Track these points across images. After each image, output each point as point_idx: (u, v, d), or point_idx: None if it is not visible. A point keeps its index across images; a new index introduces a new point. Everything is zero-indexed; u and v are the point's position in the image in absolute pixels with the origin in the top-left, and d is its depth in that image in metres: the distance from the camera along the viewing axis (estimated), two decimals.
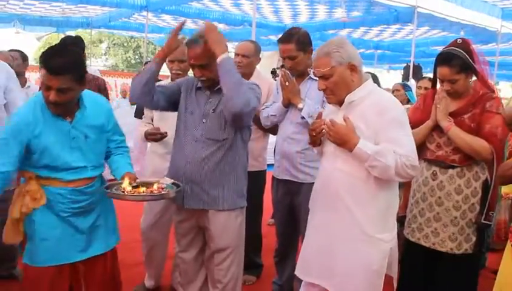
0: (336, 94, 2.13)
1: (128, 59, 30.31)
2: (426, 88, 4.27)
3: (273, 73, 8.56)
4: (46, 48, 2.14)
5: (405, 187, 2.93)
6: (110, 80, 11.95)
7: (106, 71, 14.81)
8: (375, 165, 2.03)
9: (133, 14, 10.73)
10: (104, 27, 13.42)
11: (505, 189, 3.74)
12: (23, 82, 3.96)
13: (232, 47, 13.79)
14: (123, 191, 2.19)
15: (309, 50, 2.91)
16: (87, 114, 2.25)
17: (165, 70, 2.68)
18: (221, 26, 11.81)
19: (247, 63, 3.42)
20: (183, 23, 2.44)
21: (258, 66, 3.59)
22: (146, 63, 6.88)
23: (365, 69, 2.26)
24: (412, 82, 7.90)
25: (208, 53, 2.31)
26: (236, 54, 3.45)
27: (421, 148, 2.69)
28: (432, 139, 2.63)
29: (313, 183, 2.39)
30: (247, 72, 3.44)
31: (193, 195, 2.45)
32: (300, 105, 2.83)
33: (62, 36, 5.46)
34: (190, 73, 3.08)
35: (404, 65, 10.92)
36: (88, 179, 2.28)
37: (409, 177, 2.09)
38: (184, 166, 2.44)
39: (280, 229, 3.25)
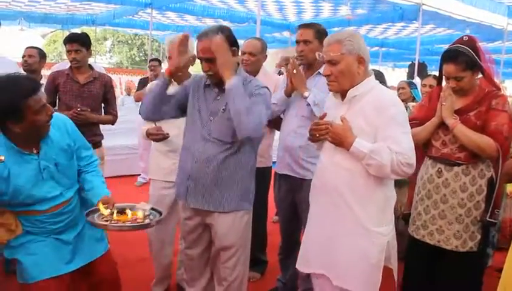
0: (339, 82, 2.15)
1: (133, 56, 30.35)
2: (431, 86, 4.26)
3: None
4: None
5: (410, 184, 2.93)
6: (114, 78, 11.94)
7: (111, 69, 14.84)
8: (371, 163, 2.07)
9: (138, 11, 10.74)
10: (108, 24, 13.43)
11: (510, 187, 3.73)
12: (38, 79, 3.97)
13: None
14: (106, 220, 2.15)
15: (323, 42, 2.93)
16: (51, 140, 2.20)
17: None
18: (225, 24, 11.84)
19: (254, 61, 3.42)
20: (186, 37, 2.43)
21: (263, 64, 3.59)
22: (151, 60, 6.88)
23: (370, 67, 2.26)
24: (417, 80, 7.87)
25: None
26: (243, 52, 3.45)
27: (426, 145, 2.69)
28: (438, 137, 2.62)
29: None
30: (253, 69, 3.45)
31: (198, 195, 2.44)
32: (306, 93, 2.84)
33: (67, 33, 5.47)
34: (190, 69, 3.09)
35: (409, 63, 10.91)
36: (64, 202, 2.26)
37: (405, 175, 2.11)
38: (191, 165, 2.43)
39: (284, 226, 3.25)
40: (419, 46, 9.17)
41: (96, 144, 3.53)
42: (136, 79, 9.81)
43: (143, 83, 6.88)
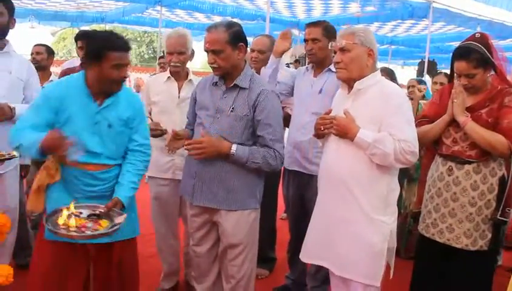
0: (348, 69, 2.24)
1: (142, 53, 30.43)
2: (441, 84, 4.24)
3: (297, 61, 8.61)
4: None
5: (420, 182, 2.92)
6: None
7: None
8: (375, 153, 2.15)
9: (147, 9, 10.76)
10: (117, 22, 13.46)
11: None
12: (47, 76, 4.00)
13: None
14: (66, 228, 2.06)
15: (333, 40, 2.92)
16: (116, 103, 2.31)
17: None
18: (234, 21, 11.82)
19: (263, 59, 3.43)
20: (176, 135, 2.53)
21: None
22: (160, 58, 6.89)
23: (379, 65, 2.35)
24: (426, 78, 7.82)
25: (224, 40, 2.31)
26: (252, 50, 3.46)
27: (437, 143, 2.68)
28: (449, 134, 2.60)
29: None
30: (262, 67, 3.44)
31: (204, 193, 2.45)
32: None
33: (77, 30, 5.52)
34: (188, 65, 3.09)
35: (419, 60, 10.83)
36: (101, 165, 2.30)
37: (409, 163, 2.19)
38: (197, 163, 2.44)
39: (293, 224, 3.25)
40: (429, 44, 9.10)
41: None
42: (145, 76, 9.85)
43: None
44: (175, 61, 3.00)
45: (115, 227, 2.10)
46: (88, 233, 2.05)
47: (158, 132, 2.95)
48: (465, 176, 2.54)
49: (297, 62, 9.17)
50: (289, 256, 3.30)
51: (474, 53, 2.45)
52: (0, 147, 2.50)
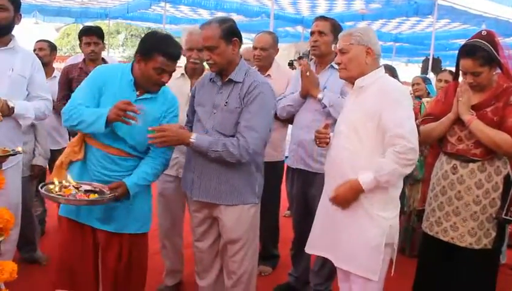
0: (348, 69, 2.30)
1: None
2: (446, 81, 4.21)
3: (291, 64, 8.53)
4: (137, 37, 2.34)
5: (424, 180, 2.91)
6: None
7: (124, 62, 14.90)
8: (387, 180, 2.18)
9: (151, 5, 10.75)
10: (121, 18, 13.48)
11: None
12: (50, 71, 4.01)
13: (246, 37, 13.75)
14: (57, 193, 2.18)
15: (337, 37, 2.92)
16: (154, 98, 2.38)
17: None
18: (238, 18, 11.79)
19: (265, 56, 3.41)
20: None
21: (275, 58, 3.57)
22: None
23: (383, 62, 2.38)
24: (431, 76, 7.79)
25: (218, 36, 2.33)
26: (255, 48, 3.44)
27: (441, 141, 2.66)
28: (453, 132, 2.59)
29: None
30: (266, 64, 3.44)
31: (202, 188, 2.46)
32: (320, 96, 2.84)
33: (81, 26, 5.53)
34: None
35: (423, 58, 10.78)
36: (122, 152, 2.36)
37: (412, 161, 2.17)
38: (195, 158, 2.45)
39: (296, 221, 3.24)
40: (434, 42, 9.05)
41: None
42: None
43: None
44: (194, 57, 3.00)
45: (92, 199, 2.17)
46: (62, 198, 2.14)
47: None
48: (470, 174, 2.53)
49: (301, 59, 9.14)
50: (293, 254, 3.30)
51: (480, 51, 2.43)
52: (2, 143, 2.51)
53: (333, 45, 2.45)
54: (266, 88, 2.40)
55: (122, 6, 11.51)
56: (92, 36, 3.61)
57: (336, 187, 2.27)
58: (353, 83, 2.33)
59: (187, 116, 2.70)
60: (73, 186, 2.22)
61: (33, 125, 3.36)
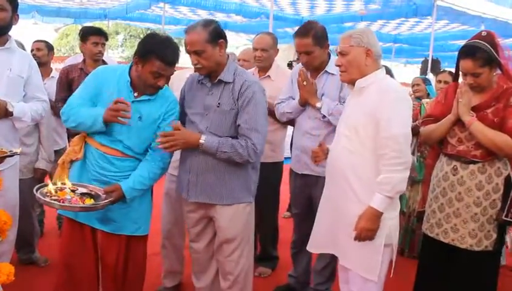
0: (348, 71, 2.30)
1: None
2: (446, 82, 4.20)
3: (289, 65, 8.52)
4: (145, 39, 2.38)
5: (424, 182, 2.90)
6: None
7: (123, 63, 14.89)
8: (396, 191, 2.19)
9: (150, 5, 10.74)
10: (120, 19, 13.44)
11: None
12: (48, 72, 3.99)
13: (247, 38, 13.73)
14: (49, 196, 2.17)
15: (325, 45, 2.88)
16: (152, 100, 2.38)
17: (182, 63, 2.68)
18: (237, 19, 11.77)
19: (267, 57, 3.41)
20: None
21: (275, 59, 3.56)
22: None
23: (381, 62, 2.38)
24: (430, 76, 7.78)
25: (204, 40, 2.31)
26: (255, 49, 3.43)
27: (441, 142, 2.65)
28: (454, 134, 2.58)
29: None
30: (266, 65, 3.44)
31: (199, 188, 2.46)
32: (318, 105, 2.84)
33: (79, 27, 5.52)
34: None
35: (422, 59, 10.77)
36: (118, 152, 2.37)
37: (408, 164, 2.19)
38: (191, 159, 2.46)
39: (298, 221, 3.24)
40: (433, 43, 9.05)
41: None
42: None
43: None
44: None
45: (86, 206, 2.17)
46: (57, 203, 2.13)
47: None
48: (470, 175, 2.52)
49: (299, 60, 9.14)
50: (293, 253, 3.28)
51: (480, 52, 2.42)
52: (0, 144, 2.50)
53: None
54: (257, 87, 2.43)
55: (121, 6, 11.48)
56: (101, 36, 3.68)
57: (355, 224, 2.23)
58: (353, 85, 2.33)
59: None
60: (68, 189, 2.22)
61: (37, 128, 3.35)
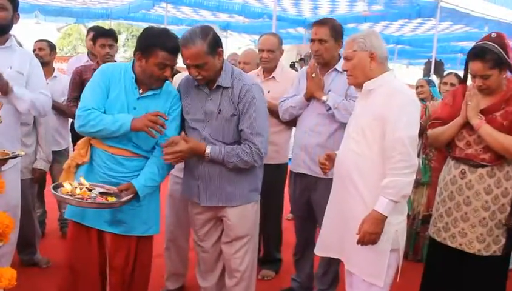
0: (354, 75, 2.29)
1: None
2: (452, 84, 4.17)
3: (292, 66, 8.51)
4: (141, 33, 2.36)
5: (431, 185, 2.86)
6: None
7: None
8: (402, 195, 2.14)
9: (153, 5, 10.74)
10: (123, 18, 13.46)
11: None
12: (50, 72, 3.97)
13: (249, 39, 13.71)
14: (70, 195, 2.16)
15: (339, 41, 2.89)
16: (157, 96, 2.37)
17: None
18: (240, 19, 11.77)
19: (272, 58, 3.39)
20: None
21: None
22: None
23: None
24: (433, 78, 7.76)
25: (204, 52, 2.27)
26: (261, 50, 3.41)
27: (449, 145, 2.62)
28: (462, 137, 2.54)
29: (330, 179, 2.46)
30: (272, 66, 3.43)
31: (210, 193, 2.47)
32: (324, 98, 2.81)
33: (82, 27, 5.53)
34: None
35: (425, 60, 10.76)
36: (127, 151, 2.36)
37: (414, 167, 2.15)
38: (199, 166, 2.45)
39: (299, 226, 3.22)
40: (436, 44, 9.03)
41: None
42: None
43: None
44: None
45: (113, 203, 2.17)
46: (74, 199, 2.11)
47: None
48: (478, 179, 2.49)
49: (302, 61, 9.11)
50: (296, 259, 3.26)
51: (490, 53, 2.39)
52: (0, 144, 2.48)
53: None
54: (257, 89, 2.42)
55: (123, 6, 11.50)
56: (108, 38, 3.65)
57: (358, 228, 2.19)
58: (361, 88, 2.30)
59: None
60: (86, 188, 2.20)
61: (35, 128, 3.33)
